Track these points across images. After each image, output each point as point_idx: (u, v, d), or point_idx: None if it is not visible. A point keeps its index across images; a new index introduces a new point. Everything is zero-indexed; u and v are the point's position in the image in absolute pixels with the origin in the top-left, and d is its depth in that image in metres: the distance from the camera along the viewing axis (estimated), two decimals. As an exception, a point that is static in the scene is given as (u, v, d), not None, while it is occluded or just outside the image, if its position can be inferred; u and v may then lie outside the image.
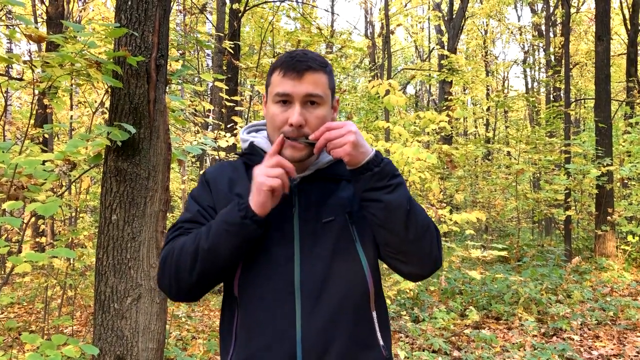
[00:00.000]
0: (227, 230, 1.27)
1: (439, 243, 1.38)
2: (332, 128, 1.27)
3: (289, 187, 1.36)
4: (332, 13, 23.72)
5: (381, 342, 1.39)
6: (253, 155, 1.47)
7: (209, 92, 11.58)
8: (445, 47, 17.44)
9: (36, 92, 3.01)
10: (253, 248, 1.33)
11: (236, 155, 1.58)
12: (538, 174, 14.00)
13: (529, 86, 25.62)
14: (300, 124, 1.32)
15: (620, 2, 14.54)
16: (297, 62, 1.35)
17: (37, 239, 7.75)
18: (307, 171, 1.42)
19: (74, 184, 5.51)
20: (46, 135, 8.04)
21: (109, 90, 2.82)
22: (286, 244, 1.35)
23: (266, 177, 1.24)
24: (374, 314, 1.40)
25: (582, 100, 20.98)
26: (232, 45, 8.60)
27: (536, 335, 5.81)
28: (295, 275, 1.33)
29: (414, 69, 23.43)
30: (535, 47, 24.54)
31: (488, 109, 21.39)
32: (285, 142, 1.35)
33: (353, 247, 1.37)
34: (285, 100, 1.35)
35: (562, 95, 15.87)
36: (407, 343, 5.35)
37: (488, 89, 24.46)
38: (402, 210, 1.29)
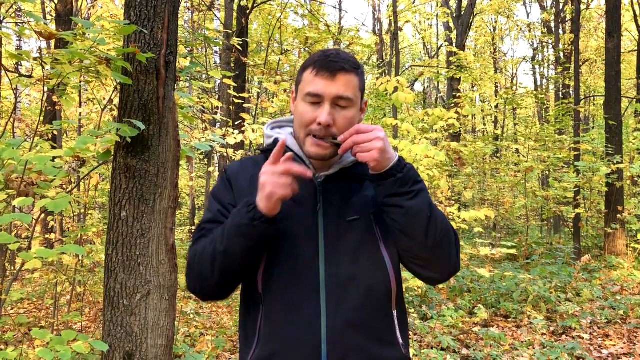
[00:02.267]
0: (238, 232, 1.28)
1: (457, 248, 1.39)
2: (362, 132, 1.27)
3: (315, 186, 1.39)
4: (340, 10, 23.70)
5: (401, 341, 1.41)
6: None
7: (217, 89, 11.60)
8: (454, 44, 17.36)
9: (46, 89, 3.02)
10: (277, 245, 1.35)
11: (259, 151, 1.60)
12: (547, 172, 13.92)
13: (538, 83, 25.46)
14: (328, 124, 1.33)
15: (631, -2, 14.41)
16: (331, 62, 1.35)
17: (47, 236, 7.79)
18: (331, 170, 1.42)
19: (83, 180, 5.53)
20: (55, 132, 8.07)
21: (118, 87, 2.82)
22: (311, 241, 1.35)
23: (275, 187, 1.24)
24: (395, 312, 1.41)
25: (592, 98, 20.84)
26: (240, 43, 8.59)
27: (545, 334, 5.78)
28: (321, 273, 1.34)
29: (422, 66, 23.35)
30: (544, 44, 24.37)
31: (497, 106, 21.28)
32: (307, 137, 1.37)
33: (377, 246, 1.38)
34: (316, 100, 1.35)
35: (571, 92, 15.76)
36: (415, 341, 5.33)
37: (497, 86, 24.32)
38: (423, 217, 1.29)
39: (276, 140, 1.48)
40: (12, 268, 8.38)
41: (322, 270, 1.34)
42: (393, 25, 16.36)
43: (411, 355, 4.76)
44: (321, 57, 1.37)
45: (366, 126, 1.28)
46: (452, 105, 12.33)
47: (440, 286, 7.58)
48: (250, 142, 7.31)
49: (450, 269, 1.38)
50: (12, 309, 6.60)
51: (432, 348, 5.14)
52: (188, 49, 7.35)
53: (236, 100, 7.92)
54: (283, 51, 11.93)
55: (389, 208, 1.31)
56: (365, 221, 1.38)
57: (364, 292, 1.34)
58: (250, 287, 1.41)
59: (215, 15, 13.37)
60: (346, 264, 1.34)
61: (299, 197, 1.32)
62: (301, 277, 1.34)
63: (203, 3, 11.00)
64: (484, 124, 25.27)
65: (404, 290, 6.56)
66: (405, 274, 6.17)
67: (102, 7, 11.46)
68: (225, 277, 1.34)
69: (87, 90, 8.48)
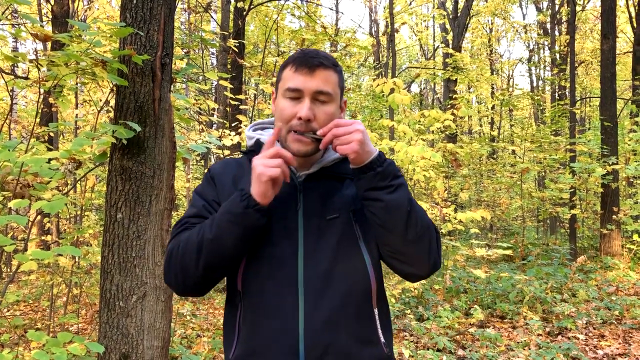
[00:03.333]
0: (231, 220, 1.28)
1: (438, 245, 1.39)
2: (341, 125, 1.29)
3: (295, 185, 1.39)
4: (337, 11, 23.68)
5: (382, 339, 1.41)
6: (258, 152, 1.47)
7: (213, 91, 11.61)
8: (450, 46, 17.40)
9: (42, 90, 3.02)
10: (257, 243, 1.35)
11: (241, 153, 1.61)
12: (543, 173, 13.96)
13: (534, 84, 25.54)
14: (309, 118, 1.34)
15: (626, 0, 14.46)
16: (310, 59, 1.37)
17: (43, 237, 7.78)
18: (312, 168, 1.43)
19: (79, 182, 5.52)
20: (51, 134, 8.07)
21: (114, 88, 2.82)
22: (290, 239, 1.36)
23: (265, 167, 1.25)
24: (376, 310, 1.41)
25: (588, 99, 20.92)
26: (237, 44, 8.59)
27: (541, 334, 5.80)
28: (299, 271, 1.34)
29: (419, 68, 23.38)
30: (540, 45, 24.44)
31: (493, 108, 21.33)
32: (289, 134, 1.37)
33: (356, 244, 1.38)
34: (296, 95, 1.37)
35: (567, 93, 15.80)
36: (411, 342, 5.34)
37: (493, 88, 24.39)
38: (402, 211, 1.30)
39: (258, 141, 1.50)
40: (8, 270, 8.36)
41: (301, 268, 1.34)
42: (389, 26, 16.39)
43: (407, 356, 4.77)
44: (300, 55, 1.40)
45: (345, 120, 1.30)
46: (449, 106, 12.36)
47: (437, 287, 7.60)
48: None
49: (431, 265, 1.38)
50: (8, 311, 6.59)
51: (428, 349, 5.15)
52: (184, 50, 7.36)
53: (232, 102, 7.92)
54: (280, 53, 11.93)
55: (368, 202, 1.32)
56: (344, 219, 1.39)
57: (343, 290, 1.34)
58: (231, 285, 1.42)
59: (212, 17, 13.38)
60: (325, 262, 1.35)
61: (279, 196, 1.33)
62: (280, 276, 1.34)
63: (199, 4, 11.00)
64: (480, 125, 25.31)
65: (400, 290, 6.56)
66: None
67: (98, 9, 11.46)
68: (209, 268, 1.33)
69: (83, 92, 8.48)
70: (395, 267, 1.41)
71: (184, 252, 1.34)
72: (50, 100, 7.06)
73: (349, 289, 1.35)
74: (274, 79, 8.10)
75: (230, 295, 1.44)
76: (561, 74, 16.29)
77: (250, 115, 10.57)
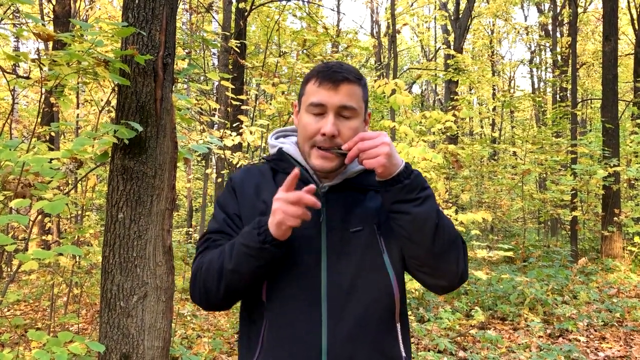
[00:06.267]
0: (248, 253, 1.27)
1: (465, 256, 1.37)
2: (366, 138, 1.26)
3: (318, 196, 1.35)
4: (338, 12, 23.70)
5: (403, 354, 1.39)
6: (281, 161, 1.46)
7: (215, 91, 11.60)
8: (452, 47, 17.39)
9: (43, 90, 3.02)
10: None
11: (263, 160, 1.59)
12: (544, 175, 13.95)
13: (536, 86, 25.52)
14: (333, 134, 1.32)
15: (628, 2, 14.45)
16: (334, 73, 1.34)
17: (44, 237, 7.77)
18: (335, 180, 1.40)
19: (80, 182, 5.52)
20: (53, 134, 8.06)
21: (116, 88, 2.82)
22: (313, 251, 1.34)
23: (286, 215, 1.22)
24: (398, 325, 1.39)
25: (589, 101, 20.88)
26: (238, 44, 8.60)
27: (542, 336, 5.79)
28: (322, 284, 1.32)
29: (420, 69, 23.38)
30: (541, 47, 24.43)
31: (494, 109, 21.33)
32: (312, 149, 1.36)
33: (380, 258, 1.36)
34: (319, 110, 1.34)
35: (568, 95, 15.80)
36: (412, 343, 5.34)
37: (494, 89, 24.37)
38: (430, 224, 1.28)
39: (280, 150, 1.46)
40: (9, 269, 8.36)
41: (324, 281, 1.32)
42: (391, 27, 16.40)
43: (408, 357, 4.76)
44: (324, 69, 1.37)
45: (371, 133, 1.27)
46: (450, 107, 12.36)
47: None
48: (248, 144, 7.31)
49: (458, 277, 1.35)
50: (8, 310, 6.58)
51: (429, 350, 5.15)
52: (186, 50, 7.36)
53: (234, 102, 7.92)
54: (281, 53, 11.93)
55: (395, 215, 1.30)
56: (368, 232, 1.36)
57: (366, 304, 1.32)
58: (254, 295, 1.40)
59: (214, 17, 13.38)
60: (348, 275, 1.33)
61: None
62: (303, 288, 1.33)
63: (201, 5, 11.00)
64: (482, 127, 25.31)
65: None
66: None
67: (100, 9, 11.46)
68: (231, 291, 1.34)
69: (84, 91, 8.48)
70: (422, 279, 1.39)
71: (206, 276, 1.35)
72: (52, 99, 7.06)
73: (372, 303, 1.33)
74: (275, 79, 8.09)
75: (252, 304, 1.41)
76: (562, 75, 16.28)
77: (252, 115, 10.56)
